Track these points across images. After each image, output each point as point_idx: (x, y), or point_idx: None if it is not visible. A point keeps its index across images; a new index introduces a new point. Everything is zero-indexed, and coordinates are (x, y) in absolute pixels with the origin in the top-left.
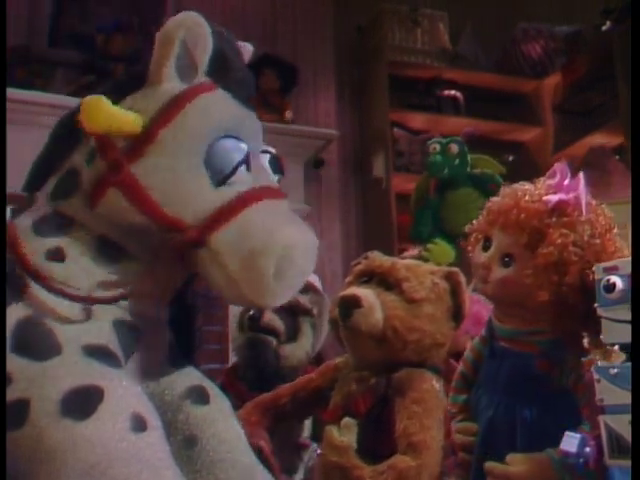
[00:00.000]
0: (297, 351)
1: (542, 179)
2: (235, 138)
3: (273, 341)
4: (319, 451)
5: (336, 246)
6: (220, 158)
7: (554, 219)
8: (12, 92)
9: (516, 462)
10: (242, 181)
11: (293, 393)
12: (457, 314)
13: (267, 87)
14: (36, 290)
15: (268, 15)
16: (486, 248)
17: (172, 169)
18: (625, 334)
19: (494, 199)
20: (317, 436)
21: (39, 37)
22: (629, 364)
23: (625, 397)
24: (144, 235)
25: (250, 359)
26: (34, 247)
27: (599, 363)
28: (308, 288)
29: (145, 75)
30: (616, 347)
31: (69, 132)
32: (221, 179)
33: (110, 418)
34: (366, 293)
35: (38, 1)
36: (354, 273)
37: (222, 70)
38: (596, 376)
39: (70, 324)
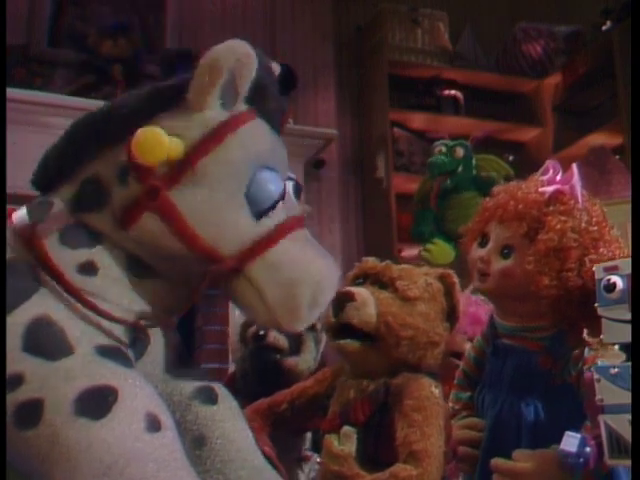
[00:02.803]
0: (300, 365)
1: (535, 175)
2: (272, 169)
3: (276, 355)
4: (318, 460)
5: (336, 246)
6: (259, 191)
7: (551, 207)
8: (12, 92)
9: (522, 458)
10: (277, 212)
11: (291, 400)
12: (451, 315)
13: None
14: (47, 289)
15: (268, 15)
16: (483, 244)
17: (211, 199)
18: (625, 334)
19: (488, 199)
20: (318, 447)
21: (39, 37)
22: (629, 364)
23: (625, 397)
24: (177, 260)
25: (252, 371)
26: (63, 258)
27: (599, 363)
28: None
29: (178, 90)
30: (616, 347)
31: (87, 138)
32: (261, 212)
33: (125, 418)
34: (359, 289)
35: (38, 1)
36: (348, 278)
37: (260, 98)
38: (596, 376)
39: (82, 323)
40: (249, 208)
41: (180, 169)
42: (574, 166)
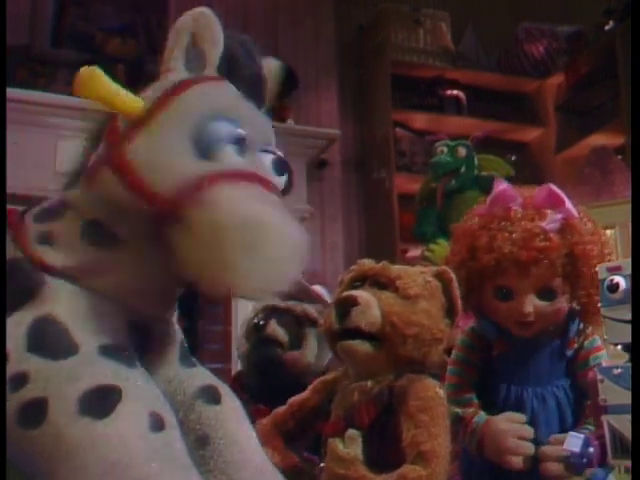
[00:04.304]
0: (300, 360)
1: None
2: (231, 122)
3: (277, 349)
4: (322, 465)
5: (338, 246)
6: (208, 134)
7: (566, 239)
8: (15, 92)
9: (559, 442)
10: (228, 160)
11: (292, 414)
12: (451, 311)
13: None
14: (52, 289)
15: (270, 15)
16: (504, 296)
17: (158, 143)
18: (628, 334)
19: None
20: (316, 450)
21: (41, 37)
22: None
23: (628, 397)
24: (132, 215)
25: (254, 366)
26: (30, 232)
27: (603, 363)
28: (316, 299)
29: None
30: (619, 347)
31: (98, 140)
32: (203, 151)
33: (129, 417)
34: (361, 293)
35: (40, 1)
36: (345, 282)
37: (231, 68)
38: (599, 376)
39: (86, 323)
40: (193, 149)
41: (138, 124)
42: (554, 188)
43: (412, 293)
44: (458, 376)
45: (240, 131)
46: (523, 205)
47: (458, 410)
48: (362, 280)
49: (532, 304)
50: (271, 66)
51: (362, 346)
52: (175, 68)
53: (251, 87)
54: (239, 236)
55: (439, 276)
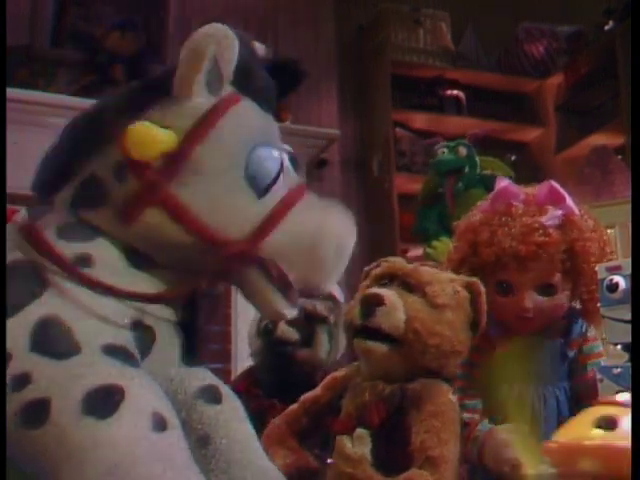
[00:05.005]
0: (312, 357)
1: (519, 209)
2: (267, 146)
3: (288, 349)
4: (329, 461)
5: None
6: (258, 169)
7: (566, 235)
8: (15, 92)
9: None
10: (280, 187)
11: (305, 412)
12: (475, 324)
13: None
14: (56, 289)
15: (269, 15)
16: (504, 291)
17: (213, 186)
18: (628, 334)
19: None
20: (323, 445)
21: (41, 37)
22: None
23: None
24: (184, 252)
25: (267, 365)
26: (60, 251)
27: (602, 363)
28: (327, 296)
29: (163, 83)
30: (619, 347)
31: (81, 139)
32: (263, 189)
33: (132, 417)
34: (389, 293)
35: (40, 1)
36: (372, 277)
37: (245, 79)
38: (599, 376)
39: (89, 323)
40: (251, 188)
41: (177, 160)
42: (555, 185)
43: (440, 302)
44: (464, 380)
45: (279, 154)
46: (525, 201)
47: (463, 415)
48: (390, 278)
49: (532, 300)
50: (260, 51)
51: (380, 348)
52: (197, 92)
53: (265, 97)
54: (331, 249)
55: (469, 287)
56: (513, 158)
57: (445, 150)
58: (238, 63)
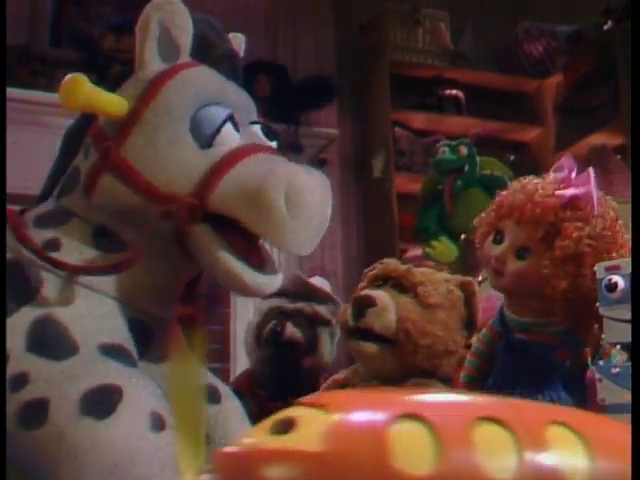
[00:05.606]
0: (318, 361)
1: (550, 173)
2: (218, 105)
3: (296, 353)
4: None
5: (337, 246)
6: (203, 123)
7: (568, 213)
8: (15, 92)
9: None
10: (231, 141)
11: None
12: (470, 323)
13: (261, 94)
14: (52, 289)
15: (269, 15)
16: (498, 241)
17: (156, 143)
18: (627, 334)
19: (504, 193)
20: None
21: (40, 37)
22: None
23: (627, 396)
24: (142, 219)
25: (273, 369)
26: (33, 238)
27: (600, 363)
28: (326, 298)
29: (123, 68)
30: (618, 347)
31: (71, 136)
32: (205, 140)
33: (130, 417)
34: (380, 294)
35: (40, 0)
36: (368, 278)
37: (204, 50)
38: (597, 375)
39: (85, 322)
40: (195, 143)
41: (126, 124)
42: (590, 171)
43: (432, 302)
44: (473, 368)
45: (230, 111)
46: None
47: None
48: (384, 280)
49: (507, 255)
50: (238, 41)
51: (371, 348)
52: (150, 60)
53: (227, 65)
54: (279, 195)
55: (463, 287)
56: (512, 158)
57: (446, 149)
58: (197, 37)
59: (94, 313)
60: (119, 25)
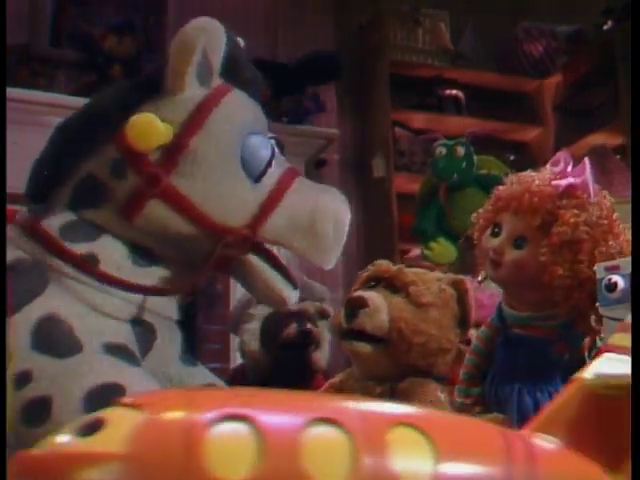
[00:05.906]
0: (321, 360)
1: (547, 167)
2: (259, 134)
3: (302, 352)
4: None
5: None
6: (252, 155)
7: (565, 201)
8: (15, 92)
9: None
10: (272, 171)
11: None
12: (463, 322)
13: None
14: (56, 288)
15: (269, 15)
16: (495, 234)
17: (210, 175)
18: None
19: (501, 187)
20: None
21: (40, 36)
22: None
23: None
24: (186, 243)
25: (278, 369)
26: (70, 248)
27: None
28: (323, 296)
29: (156, 79)
30: None
31: (79, 137)
32: (258, 175)
33: None
34: (372, 295)
35: (39, 0)
36: (360, 280)
37: (233, 70)
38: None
39: (90, 321)
40: (246, 175)
41: (174, 152)
42: (586, 160)
43: (424, 301)
44: (473, 366)
45: (270, 144)
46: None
47: (465, 401)
48: (377, 281)
49: (505, 246)
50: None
51: (365, 348)
52: (189, 85)
53: (253, 87)
54: (330, 225)
55: (455, 285)
56: (512, 158)
57: (443, 150)
58: (226, 55)
59: (98, 312)
60: (120, 25)
